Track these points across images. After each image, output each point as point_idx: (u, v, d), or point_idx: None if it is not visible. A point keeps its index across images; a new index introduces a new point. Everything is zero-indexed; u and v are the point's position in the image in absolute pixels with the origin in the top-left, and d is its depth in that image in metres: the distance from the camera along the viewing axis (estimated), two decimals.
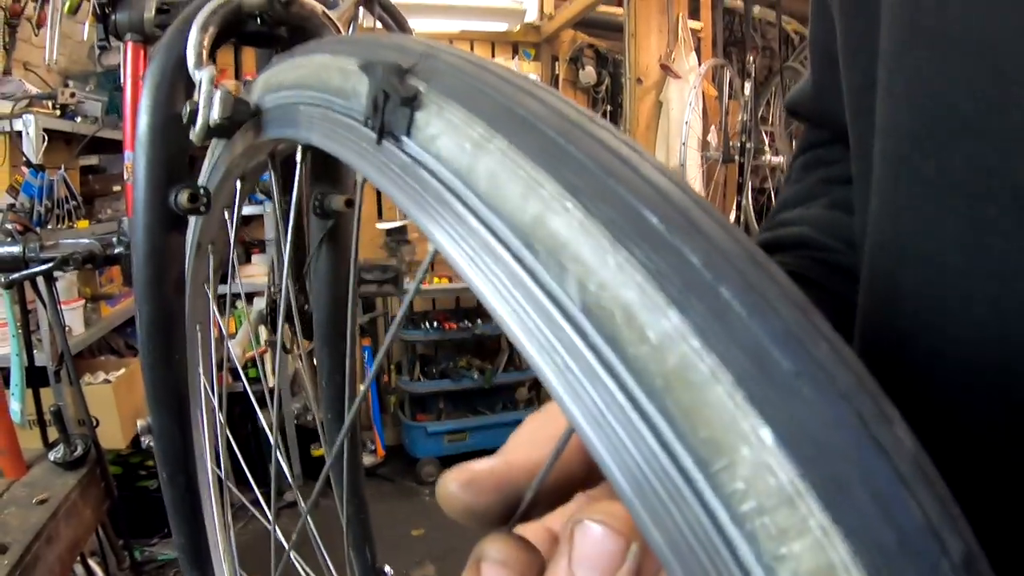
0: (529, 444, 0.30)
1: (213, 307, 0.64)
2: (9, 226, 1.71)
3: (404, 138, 0.25)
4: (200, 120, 0.48)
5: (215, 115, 0.47)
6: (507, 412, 4.46)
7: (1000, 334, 0.33)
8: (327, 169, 0.65)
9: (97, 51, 3.16)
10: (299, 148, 0.44)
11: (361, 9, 1.21)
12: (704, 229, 0.18)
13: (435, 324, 4.37)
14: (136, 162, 0.57)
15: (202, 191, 0.56)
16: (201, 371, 0.68)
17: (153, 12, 1.64)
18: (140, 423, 0.64)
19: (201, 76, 0.50)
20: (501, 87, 0.23)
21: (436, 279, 4.34)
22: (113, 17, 1.67)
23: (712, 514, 0.16)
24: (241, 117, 0.47)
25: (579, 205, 0.19)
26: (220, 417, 0.65)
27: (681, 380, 0.16)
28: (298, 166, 0.45)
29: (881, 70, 0.40)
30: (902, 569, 0.15)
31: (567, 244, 0.19)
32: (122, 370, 2.85)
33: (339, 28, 0.61)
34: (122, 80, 1.77)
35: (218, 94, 0.47)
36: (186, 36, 0.53)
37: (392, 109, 0.25)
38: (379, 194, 4.44)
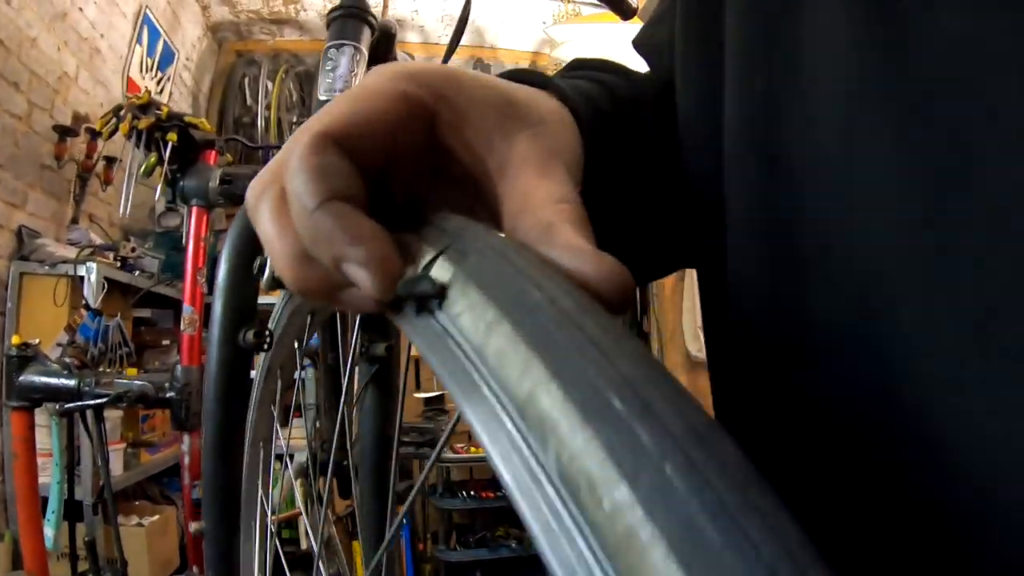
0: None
1: (277, 426, 0.77)
2: (68, 360, 1.84)
3: (437, 312, 0.29)
4: (268, 272, 0.61)
5: None
6: None
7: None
8: (372, 319, 0.79)
9: (157, 213, 3.42)
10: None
11: None
12: (658, 412, 0.20)
13: (472, 493, 4.31)
14: (214, 306, 0.72)
15: (267, 332, 0.71)
16: (260, 484, 0.79)
17: (217, 182, 1.85)
18: (195, 525, 0.75)
19: None
20: (512, 276, 0.27)
21: (472, 448, 4.31)
22: (181, 183, 1.88)
23: None
24: None
25: (560, 386, 0.22)
26: (271, 526, 0.77)
27: (627, 544, 0.18)
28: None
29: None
30: None
31: (548, 420, 0.22)
32: (156, 516, 2.90)
33: None
34: (184, 240, 1.97)
35: None
36: None
37: (427, 289, 0.30)
38: (418, 365, 4.55)
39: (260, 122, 4.07)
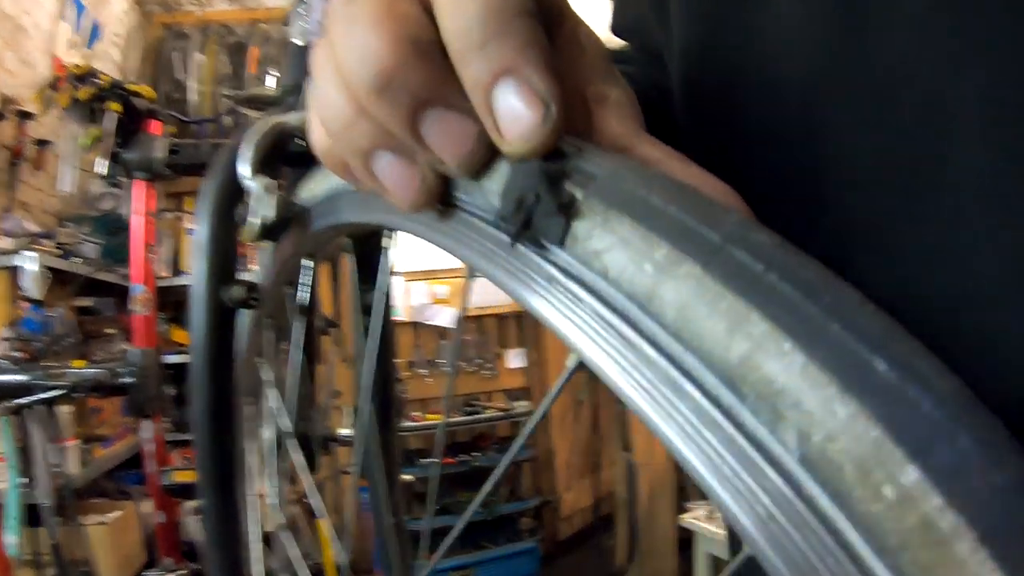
0: None
1: (266, 378, 0.70)
2: (14, 354, 1.76)
3: (553, 247, 0.23)
4: (253, 220, 0.54)
5: (267, 214, 0.52)
6: (512, 544, 4.32)
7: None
8: (365, 267, 0.72)
9: (94, 196, 3.28)
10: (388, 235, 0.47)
11: None
12: (926, 374, 0.17)
13: (432, 461, 4.23)
14: (193, 265, 0.65)
15: (253, 287, 0.64)
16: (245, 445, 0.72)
17: (164, 152, 1.76)
18: (191, 504, 0.68)
19: (254, 183, 0.55)
20: (676, 200, 0.21)
21: (429, 415, 4.29)
22: (124, 156, 1.78)
23: None
24: (290, 215, 0.53)
25: (799, 348, 0.17)
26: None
27: (920, 538, 0.15)
28: (384, 252, 0.48)
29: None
30: None
31: (786, 391, 0.17)
32: (117, 513, 2.80)
33: None
34: (129, 216, 1.87)
35: (270, 196, 0.52)
36: (236, 156, 0.60)
37: (544, 214, 0.23)
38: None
39: (193, 96, 3.95)
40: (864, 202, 0.32)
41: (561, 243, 0.23)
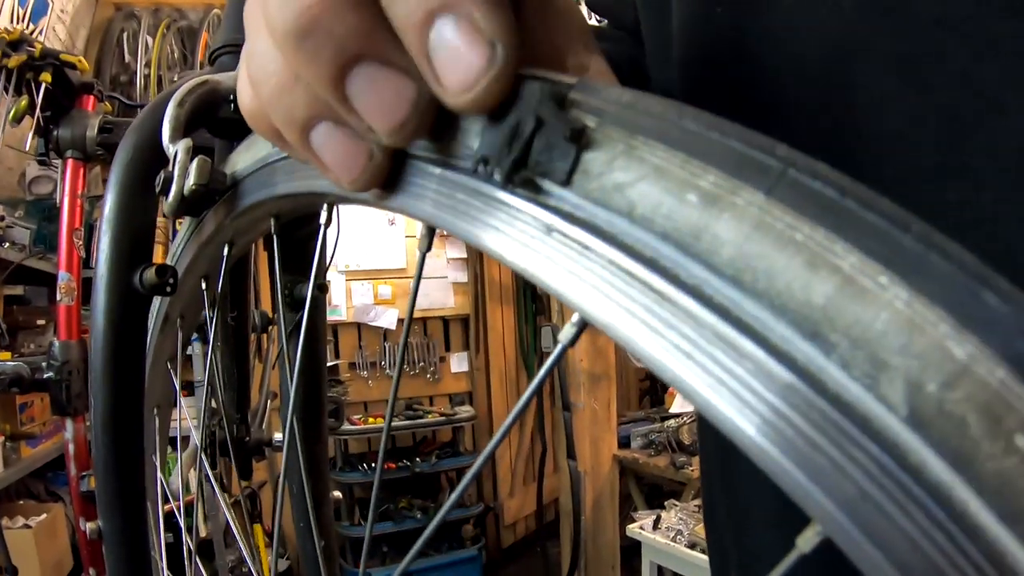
0: None
1: (177, 386, 0.60)
2: None
3: (554, 187, 0.20)
4: (175, 189, 0.46)
5: (191, 182, 0.45)
6: (454, 551, 4.29)
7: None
8: (297, 254, 0.63)
9: (28, 179, 3.13)
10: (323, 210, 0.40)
11: None
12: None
13: (372, 465, 4.25)
14: (100, 241, 0.56)
15: (170, 269, 0.54)
16: (156, 459, 0.63)
17: (96, 130, 1.64)
18: (90, 526, 0.59)
19: (177, 148, 0.48)
20: (715, 125, 0.18)
21: (371, 419, 4.28)
22: (55, 133, 1.66)
23: None
24: (217, 186, 0.46)
25: (899, 280, 0.15)
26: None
27: None
28: (322, 227, 0.40)
29: None
30: None
31: (889, 332, 0.15)
32: (43, 515, 2.71)
33: None
34: (59, 198, 1.75)
35: (195, 161, 0.45)
36: (160, 116, 0.52)
37: (545, 147, 0.20)
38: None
39: (139, 80, 3.80)
40: (899, 163, 0.31)
41: (567, 181, 0.20)
